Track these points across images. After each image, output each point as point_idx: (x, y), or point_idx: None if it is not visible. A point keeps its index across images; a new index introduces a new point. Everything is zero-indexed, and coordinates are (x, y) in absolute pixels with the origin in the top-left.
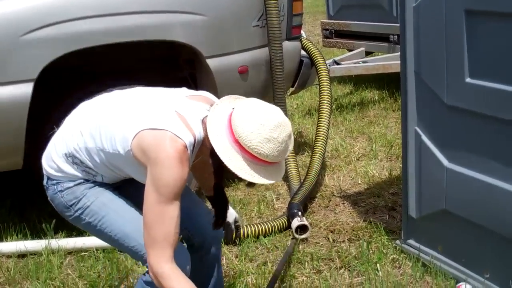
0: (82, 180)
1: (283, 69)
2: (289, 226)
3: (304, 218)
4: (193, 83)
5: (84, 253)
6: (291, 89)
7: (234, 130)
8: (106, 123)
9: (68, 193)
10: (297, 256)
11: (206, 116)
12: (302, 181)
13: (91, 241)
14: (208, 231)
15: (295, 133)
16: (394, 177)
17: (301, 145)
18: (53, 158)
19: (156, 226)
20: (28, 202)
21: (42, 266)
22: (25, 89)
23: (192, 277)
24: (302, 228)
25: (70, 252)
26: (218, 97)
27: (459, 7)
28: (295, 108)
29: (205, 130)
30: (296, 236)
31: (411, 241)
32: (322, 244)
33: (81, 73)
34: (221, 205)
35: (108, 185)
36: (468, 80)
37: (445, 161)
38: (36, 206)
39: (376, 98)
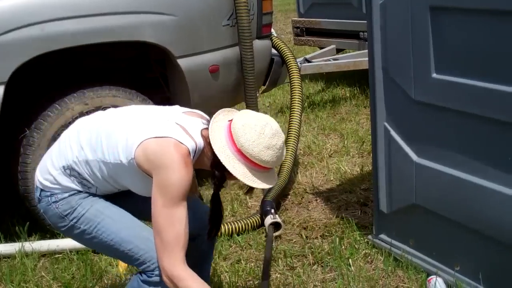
0: (76, 191)
1: (254, 67)
2: (262, 224)
3: (277, 215)
4: (164, 83)
5: (58, 255)
6: (263, 88)
7: (236, 141)
8: (107, 135)
9: (63, 203)
10: None
11: (204, 128)
12: None
13: (64, 243)
14: (204, 221)
15: None
16: (366, 173)
17: None
18: (50, 170)
19: (167, 229)
20: (1, 205)
21: (16, 269)
22: None
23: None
24: (275, 226)
25: (44, 255)
26: (190, 96)
27: (424, 3)
28: (267, 107)
29: (204, 141)
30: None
31: (382, 236)
32: (295, 241)
33: (54, 75)
34: (217, 216)
35: (101, 196)
36: (434, 75)
37: (414, 156)
38: (9, 209)
39: (348, 95)
